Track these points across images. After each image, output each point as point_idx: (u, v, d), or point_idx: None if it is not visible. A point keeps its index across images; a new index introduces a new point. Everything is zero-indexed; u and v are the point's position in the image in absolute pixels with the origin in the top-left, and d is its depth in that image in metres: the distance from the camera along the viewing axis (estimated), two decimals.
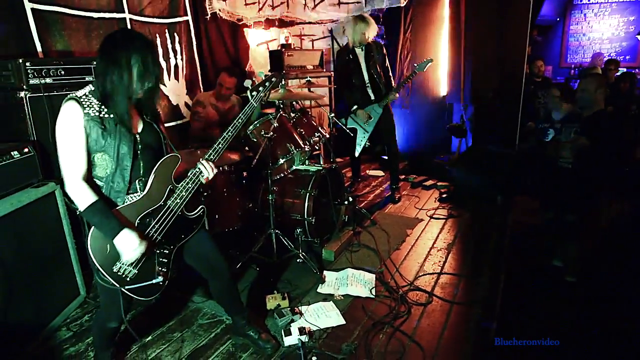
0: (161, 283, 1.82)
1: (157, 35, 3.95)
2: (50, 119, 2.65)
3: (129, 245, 1.67)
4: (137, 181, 1.79)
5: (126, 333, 2.39)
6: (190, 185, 1.87)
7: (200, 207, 1.98)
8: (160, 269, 1.83)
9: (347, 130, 3.82)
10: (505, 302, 2.70)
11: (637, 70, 9.31)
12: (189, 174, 1.89)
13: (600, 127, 2.82)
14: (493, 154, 4.62)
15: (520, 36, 4.91)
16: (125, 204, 1.75)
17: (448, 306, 2.63)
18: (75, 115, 1.65)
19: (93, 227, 1.67)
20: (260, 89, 2.20)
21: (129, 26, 3.64)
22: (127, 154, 1.73)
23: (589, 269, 3.33)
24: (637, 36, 9.40)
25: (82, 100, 1.67)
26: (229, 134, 1.99)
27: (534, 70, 5.53)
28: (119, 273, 1.72)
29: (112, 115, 1.70)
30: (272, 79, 2.25)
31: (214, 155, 1.95)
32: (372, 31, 4.07)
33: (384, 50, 4.32)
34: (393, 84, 4.29)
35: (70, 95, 1.68)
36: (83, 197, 1.65)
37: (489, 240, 3.53)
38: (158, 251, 1.83)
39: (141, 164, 1.79)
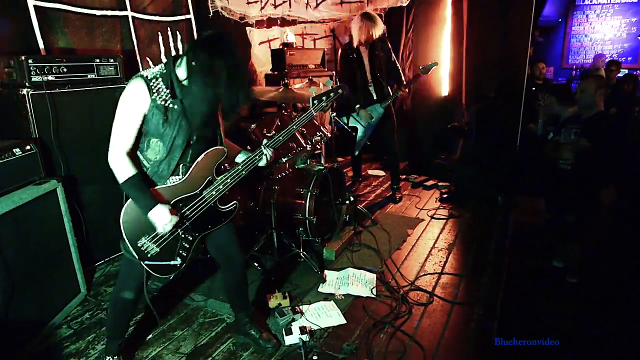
0: (178, 265, 1.87)
1: (160, 33, 3.95)
2: (53, 116, 2.66)
3: (162, 219, 1.72)
4: (181, 165, 1.82)
5: (133, 336, 2.40)
6: (229, 181, 1.90)
7: (234, 202, 2.01)
8: (180, 252, 1.87)
9: (349, 130, 3.82)
10: (506, 303, 2.70)
11: (639, 71, 9.31)
12: (240, 159, 1.96)
13: (601, 128, 2.82)
14: (494, 154, 4.62)
15: (522, 37, 4.90)
16: (164, 185, 1.79)
17: (449, 306, 2.63)
18: (141, 98, 1.68)
19: (129, 200, 1.73)
20: (324, 98, 2.19)
21: (131, 24, 3.64)
22: (179, 147, 1.77)
23: (590, 270, 3.34)
24: (639, 37, 9.40)
25: (151, 83, 1.69)
26: (280, 138, 2.04)
27: (535, 73, 5.54)
28: (142, 248, 1.77)
29: (176, 107, 1.72)
30: (338, 91, 2.24)
31: (273, 144, 2.02)
32: (378, 30, 4.00)
33: (389, 45, 4.24)
34: (403, 80, 4.25)
35: (141, 73, 1.71)
36: (123, 170, 1.69)
37: (490, 241, 3.53)
38: (183, 235, 1.86)
39: (190, 152, 1.82)
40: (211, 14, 4.46)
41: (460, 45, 5.21)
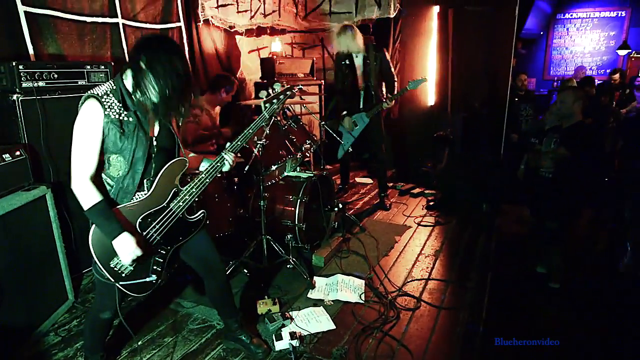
0: (154, 281, 1.86)
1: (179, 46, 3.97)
2: (43, 123, 2.65)
3: (126, 249, 1.70)
4: (145, 180, 1.82)
5: (115, 338, 2.39)
6: (194, 190, 1.90)
7: (201, 211, 2.01)
8: (155, 268, 1.86)
9: (338, 138, 3.88)
10: (491, 307, 2.76)
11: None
12: (202, 166, 1.96)
13: (579, 138, 2.94)
14: (479, 163, 4.73)
15: (505, 49, 5.05)
16: (130, 203, 1.78)
17: (436, 311, 2.68)
18: (96, 116, 1.66)
19: None
20: (275, 101, 2.23)
21: (121, 31, 3.66)
22: (141, 159, 1.76)
23: (572, 276, 3.43)
24: (617, 51, 9.71)
25: (103, 100, 1.68)
26: (239, 142, 2.05)
27: (517, 84, 5.69)
28: (115, 268, 1.75)
29: (131, 119, 1.72)
30: (287, 93, 2.29)
31: (233, 149, 2.03)
32: (356, 43, 4.02)
33: (387, 55, 4.25)
34: (397, 89, 4.29)
35: (91, 92, 1.68)
36: (88, 197, 1.68)
37: (475, 247, 3.61)
38: (155, 251, 1.86)
39: (153, 165, 1.82)
40: (201, 22, 4.51)
41: (445, 57, 5.33)
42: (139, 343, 2.39)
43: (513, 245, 4.11)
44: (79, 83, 2.88)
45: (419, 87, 5.34)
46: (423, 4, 5.43)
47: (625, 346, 2.76)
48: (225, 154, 2.00)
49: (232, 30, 4.95)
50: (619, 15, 9.96)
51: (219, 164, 1.98)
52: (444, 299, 2.83)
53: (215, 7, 4.64)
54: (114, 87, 1.72)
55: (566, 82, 6.48)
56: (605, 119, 5.33)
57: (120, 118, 1.70)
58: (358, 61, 4.19)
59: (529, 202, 3.64)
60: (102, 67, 3.03)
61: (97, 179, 1.73)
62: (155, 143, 1.81)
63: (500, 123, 5.13)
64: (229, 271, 2.92)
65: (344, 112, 4.25)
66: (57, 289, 2.62)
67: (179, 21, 4.31)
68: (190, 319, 2.61)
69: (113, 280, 1.75)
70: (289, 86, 2.35)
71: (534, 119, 5.51)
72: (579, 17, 10.28)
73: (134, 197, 1.80)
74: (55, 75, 2.73)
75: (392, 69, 4.34)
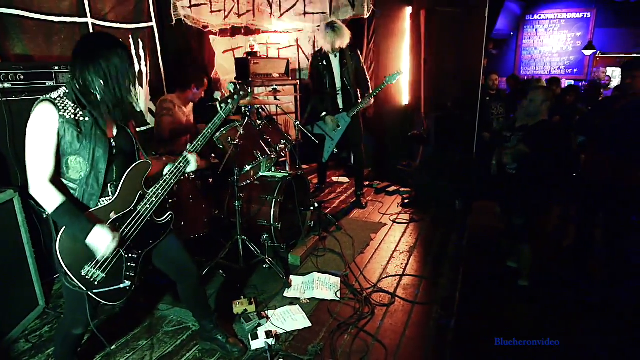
0: (128, 287, 1.84)
1: (121, 40, 3.90)
2: (9, 125, 2.59)
3: (102, 241, 1.68)
4: (109, 185, 1.80)
5: (89, 343, 2.36)
6: (160, 192, 1.90)
7: (169, 213, 2.01)
8: (128, 273, 1.84)
9: (313, 138, 3.90)
10: (462, 302, 2.84)
11: (583, 82, 9.96)
12: (167, 170, 1.95)
13: (541, 136, 3.05)
14: (452, 161, 4.84)
15: (476, 49, 5.18)
16: (97, 207, 1.76)
17: (409, 306, 2.74)
18: (49, 117, 1.64)
19: (62, 229, 1.66)
20: (229, 101, 2.25)
21: (91, 30, 3.58)
22: (102, 158, 1.74)
23: (540, 271, 3.56)
24: (583, 51, 10.07)
25: (57, 102, 1.66)
26: (199, 142, 2.07)
27: (488, 83, 5.84)
28: (87, 277, 1.72)
29: (87, 118, 1.71)
30: (241, 92, 2.31)
31: (194, 148, 2.05)
32: (344, 39, 4.07)
33: (359, 54, 4.32)
34: (370, 89, 4.34)
35: (44, 96, 1.67)
36: (50, 199, 1.64)
37: (448, 243, 3.69)
38: (127, 255, 1.84)
39: (114, 169, 1.81)
40: (174, 22, 4.46)
41: (418, 57, 5.43)
42: (113, 347, 2.36)
43: (485, 240, 4.24)
44: (47, 84, 2.83)
45: (394, 88, 5.46)
46: (396, 5, 5.52)
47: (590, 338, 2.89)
48: (187, 154, 2.01)
49: (206, 30, 4.92)
50: (585, 16, 10.33)
51: (181, 164, 1.99)
52: (417, 294, 2.89)
53: (188, 7, 4.60)
54: (67, 91, 1.72)
55: (536, 82, 6.69)
56: (570, 117, 5.53)
57: (76, 118, 1.69)
58: (335, 62, 4.23)
59: (499, 198, 3.75)
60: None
61: (57, 182, 1.70)
62: (114, 144, 1.80)
63: (473, 122, 5.26)
64: (204, 272, 2.91)
65: (324, 114, 4.27)
66: (27, 295, 2.56)
67: (151, 21, 4.26)
68: (165, 321, 2.59)
69: (85, 289, 1.71)
70: (241, 86, 2.37)
71: (506, 118, 5.67)
72: (547, 18, 10.61)
73: (99, 202, 1.77)
74: (22, 77, 2.68)
75: (366, 74, 4.42)
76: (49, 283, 2.91)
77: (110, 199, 1.79)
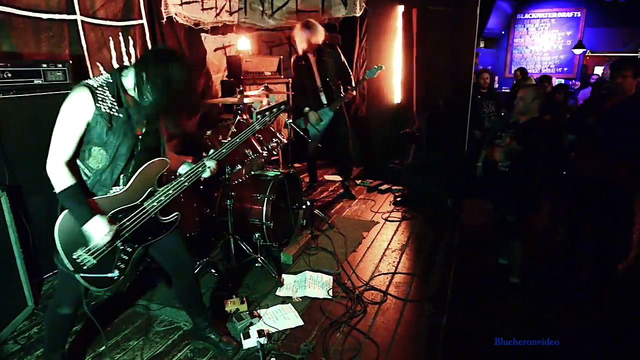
0: (116, 277, 1.84)
1: (111, 38, 3.86)
2: None
3: (99, 230, 1.69)
4: (122, 176, 1.80)
5: (79, 343, 2.34)
6: (171, 192, 1.89)
7: (175, 214, 2.00)
8: (119, 264, 1.84)
9: (305, 136, 3.90)
10: (454, 299, 2.86)
11: (573, 81, 10.06)
12: (182, 169, 1.98)
13: (532, 133, 3.08)
14: (444, 159, 4.86)
15: (468, 48, 5.20)
16: (104, 195, 1.76)
17: (401, 304, 2.75)
18: (85, 106, 1.65)
19: (65, 210, 1.69)
20: (267, 114, 2.23)
21: (80, 28, 3.54)
22: (123, 155, 1.75)
23: (532, 268, 3.59)
24: (573, 50, 10.16)
25: (96, 91, 1.67)
26: (224, 151, 2.09)
27: (479, 82, 5.87)
28: (77, 260, 1.73)
29: (121, 115, 1.71)
30: (282, 107, 2.29)
31: (216, 156, 2.07)
32: (318, 36, 4.19)
33: (339, 50, 4.42)
34: (352, 83, 4.45)
35: (85, 82, 1.68)
36: (61, 179, 1.66)
37: (440, 241, 3.71)
38: (122, 247, 1.84)
39: (133, 163, 1.81)
40: (164, 19, 4.42)
41: (410, 55, 5.44)
42: (103, 347, 2.34)
43: (476, 238, 4.26)
44: (35, 82, 2.79)
45: (386, 86, 5.48)
46: (388, 3, 5.52)
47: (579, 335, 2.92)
48: (206, 160, 2.02)
49: (197, 27, 4.88)
50: (575, 15, 10.42)
51: (199, 169, 1.99)
52: (409, 291, 2.90)
53: (179, 4, 4.56)
54: (111, 81, 1.72)
55: (525, 80, 6.74)
56: (561, 115, 5.58)
57: (111, 112, 1.69)
58: (313, 60, 4.33)
59: (491, 196, 3.78)
60: (60, 65, 2.93)
61: (72, 166, 1.71)
62: (139, 142, 1.80)
63: (464, 120, 5.28)
64: (196, 271, 2.89)
65: (307, 109, 4.37)
66: (15, 296, 2.53)
67: (141, 18, 4.21)
68: (156, 321, 2.58)
69: (73, 271, 1.73)
70: (283, 100, 2.35)
71: (497, 116, 5.70)
72: (538, 18, 10.69)
73: (109, 192, 1.78)
74: (9, 74, 2.63)
75: (348, 67, 4.48)
76: (38, 284, 2.87)
77: (120, 189, 1.79)
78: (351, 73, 4.48)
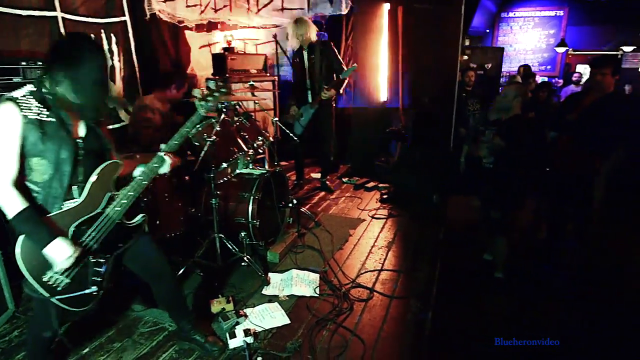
0: (95, 293, 1.78)
1: (92, 35, 3.80)
2: None
3: (60, 254, 1.61)
4: (75, 187, 1.73)
5: (61, 346, 2.30)
6: (132, 193, 1.83)
7: (141, 215, 1.95)
8: (94, 278, 1.78)
9: (292, 134, 3.89)
10: (439, 295, 2.89)
11: (556, 79, 10.21)
12: (138, 171, 1.88)
13: (515, 130, 3.12)
14: (429, 157, 4.90)
15: (453, 46, 5.24)
16: (61, 210, 1.69)
17: (387, 301, 2.77)
18: (12, 118, 1.57)
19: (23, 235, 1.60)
20: (209, 99, 2.19)
21: (61, 25, 3.48)
22: (67, 160, 1.67)
23: (516, 264, 3.64)
24: (556, 48, 10.31)
25: (20, 102, 1.59)
26: (175, 142, 1.99)
27: (465, 80, 5.92)
28: (49, 283, 1.65)
29: (52, 119, 1.64)
30: (221, 90, 2.24)
31: (170, 148, 1.98)
32: (309, 30, 4.24)
33: (333, 49, 4.43)
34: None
35: (7, 95, 1.60)
36: (12, 204, 1.57)
37: (426, 237, 3.74)
38: (94, 260, 1.78)
39: (81, 170, 1.73)
40: (148, 16, 4.36)
41: (396, 53, 5.46)
42: (87, 350, 2.31)
43: (462, 234, 4.30)
44: (14, 80, 2.73)
45: (372, 84, 5.51)
46: (374, 1, 5.53)
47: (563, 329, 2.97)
48: (161, 154, 1.94)
49: (182, 25, 4.83)
50: (557, 14, 10.57)
51: (156, 165, 1.92)
52: (395, 288, 2.92)
53: (163, 1, 4.51)
54: (34, 89, 1.65)
55: (512, 78, 6.83)
56: (545, 113, 5.66)
57: (40, 118, 1.61)
58: (305, 56, 4.39)
59: (476, 192, 3.82)
60: (40, 63, 2.88)
61: (21, 187, 1.62)
62: (81, 145, 1.73)
63: (449, 118, 5.33)
64: (181, 272, 2.87)
65: (291, 103, 4.54)
66: None
67: (124, 15, 4.15)
68: (140, 322, 2.55)
69: (48, 295, 1.65)
70: (222, 84, 2.31)
71: (482, 114, 5.75)
72: (522, 16, 10.82)
73: (63, 204, 1.70)
74: None
75: (342, 63, 4.48)
76: (19, 286, 2.79)
77: (76, 202, 1.71)
78: (342, 65, 4.48)
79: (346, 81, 4.51)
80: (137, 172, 1.95)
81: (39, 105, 1.63)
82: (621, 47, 10.21)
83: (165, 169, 1.97)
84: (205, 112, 2.14)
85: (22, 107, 1.59)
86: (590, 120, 3.12)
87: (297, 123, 4.57)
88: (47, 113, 1.64)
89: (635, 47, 10.12)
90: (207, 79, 2.39)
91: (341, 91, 4.53)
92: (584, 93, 3.48)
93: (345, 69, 4.40)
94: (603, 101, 3.09)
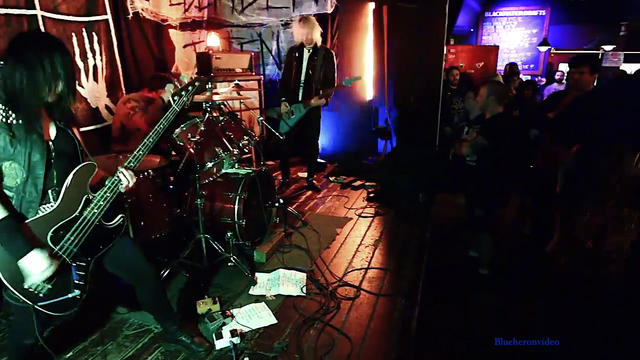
0: (78, 297, 1.75)
1: (74, 34, 3.74)
2: None
3: (36, 268, 1.57)
4: (50, 191, 1.69)
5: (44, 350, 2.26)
6: (108, 195, 1.79)
7: (120, 216, 1.91)
8: (77, 282, 1.74)
9: (277, 133, 3.87)
10: (426, 292, 2.91)
11: (539, 77, 10.37)
12: (107, 183, 1.80)
13: (497, 128, 3.16)
14: (415, 155, 4.93)
15: (438, 45, 5.29)
16: (37, 216, 1.64)
17: (374, 298, 2.78)
18: None
19: None
20: (183, 93, 2.14)
21: (41, 24, 3.41)
22: (39, 162, 1.63)
23: (501, 260, 3.69)
24: (539, 47, 10.47)
25: None
26: (151, 139, 1.92)
27: (450, 78, 5.98)
28: (30, 289, 1.62)
29: (21, 121, 1.59)
30: (196, 84, 2.19)
31: (134, 163, 1.87)
32: (315, 32, 4.27)
33: (334, 60, 4.49)
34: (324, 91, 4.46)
35: None
36: None
37: (412, 235, 3.76)
38: (74, 264, 1.74)
39: (54, 173, 1.69)
40: (130, 15, 4.31)
41: (381, 53, 5.49)
42: (70, 354, 2.27)
43: (448, 231, 4.35)
44: None
45: (359, 83, 5.52)
46: (359, 1, 5.55)
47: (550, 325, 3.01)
48: (119, 172, 1.81)
49: (165, 23, 4.78)
50: (540, 13, 10.73)
51: (116, 178, 1.82)
52: (382, 286, 2.93)
53: None
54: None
55: (492, 77, 6.91)
56: (529, 111, 5.74)
57: (7, 121, 1.56)
58: (306, 56, 4.36)
59: (461, 190, 3.86)
60: None
61: (0, 192, 1.59)
62: (52, 147, 1.69)
63: (435, 116, 5.38)
64: (166, 273, 2.84)
65: (283, 99, 4.46)
66: None
67: (106, 14, 4.09)
68: (125, 324, 2.51)
69: (30, 303, 1.61)
70: (196, 77, 2.25)
71: (466, 112, 5.81)
72: (505, 16, 10.96)
73: (39, 209, 1.66)
74: None
75: (335, 76, 4.52)
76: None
77: (52, 207, 1.67)
78: (335, 79, 4.52)
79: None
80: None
81: (5, 106, 1.58)
82: (602, 46, 10.42)
83: (122, 184, 1.83)
84: (179, 107, 2.08)
85: None
86: (569, 117, 3.17)
87: (283, 122, 4.54)
88: (15, 115, 1.59)
89: (615, 46, 10.34)
90: (182, 75, 2.34)
91: (327, 100, 4.52)
92: (565, 92, 3.55)
93: (335, 81, 4.48)
94: (582, 99, 3.15)
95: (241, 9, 5.62)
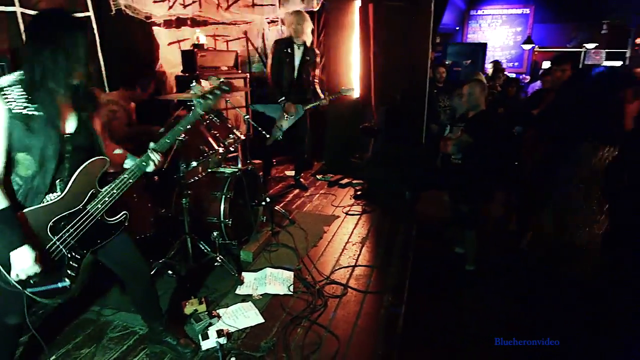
0: (68, 287, 1.75)
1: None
2: None
3: (21, 263, 1.56)
4: (58, 181, 1.67)
5: (25, 354, 2.22)
6: (115, 192, 1.79)
7: (123, 212, 1.90)
8: (68, 272, 1.74)
9: (264, 132, 3.85)
10: (412, 289, 2.93)
11: (523, 75, 10.50)
12: (115, 180, 1.80)
13: (482, 125, 3.19)
14: (402, 153, 4.95)
15: (423, 42, 5.31)
16: (40, 205, 1.63)
17: (361, 296, 2.79)
18: None
19: None
20: (210, 96, 2.10)
21: (20, 21, 3.33)
22: (52, 157, 1.60)
23: (486, 256, 3.73)
24: (523, 45, 10.59)
25: (5, 91, 1.51)
26: (167, 140, 1.93)
27: (436, 76, 6.01)
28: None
29: (40, 113, 1.55)
30: (224, 87, 2.15)
31: (160, 147, 1.91)
32: (306, 27, 4.27)
33: (318, 60, 4.51)
34: (319, 92, 4.50)
35: None
36: None
37: (398, 233, 3.78)
38: (69, 254, 1.74)
39: (67, 166, 1.68)
40: (113, 11, 4.23)
41: (367, 50, 5.49)
42: (53, 357, 2.23)
43: (433, 228, 4.38)
44: None
45: (345, 81, 5.53)
46: None
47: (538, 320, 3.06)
48: (150, 153, 1.88)
49: (149, 21, 4.71)
50: (524, 12, 10.86)
51: (143, 163, 1.87)
52: (369, 284, 2.94)
53: None
54: (23, 77, 1.56)
55: (474, 75, 6.97)
56: (514, 108, 5.81)
57: (26, 112, 1.53)
58: (298, 53, 4.33)
59: (446, 187, 3.89)
60: None
61: (6, 181, 1.57)
62: (69, 140, 1.66)
63: (421, 114, 5.40)
64: (152, 274, 2.80)
65: (283, 98, 4.34)
66: None
67: (88, 10, 4.01)
68: (109, 327, 2.47)
69: (20, 288, 1.61)
70: (224, 80, 2.21)
71: (452, 110, 5.86)
72: (490, 14, 11.07)
73: (45, 199, 1.65)
74: None
75: (316, 75, 4.53)
76: None
77: (58, 196, 1.66)
78: (316, 81, 4.53)
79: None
80: (127, 164, 1.91)
81: (26, 95, 1.54)
82: (584, 44, 10.59)
83: (150, 167, 1.90)
84: (203, 110, 2.07)
85: (6, 98, 1.51)
86: (551, 114, 3.22)
87: (283, 119, 4.40)
88: (34, 106, 1.55)
89: (597, 44, 10.52)
90: (209, 76, 2.27)
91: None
92: (548, 89, 3.60)
93: (317, 86, 4.50)
94: (560, 91, 3.19)
95: (226, 7, 5.57)
